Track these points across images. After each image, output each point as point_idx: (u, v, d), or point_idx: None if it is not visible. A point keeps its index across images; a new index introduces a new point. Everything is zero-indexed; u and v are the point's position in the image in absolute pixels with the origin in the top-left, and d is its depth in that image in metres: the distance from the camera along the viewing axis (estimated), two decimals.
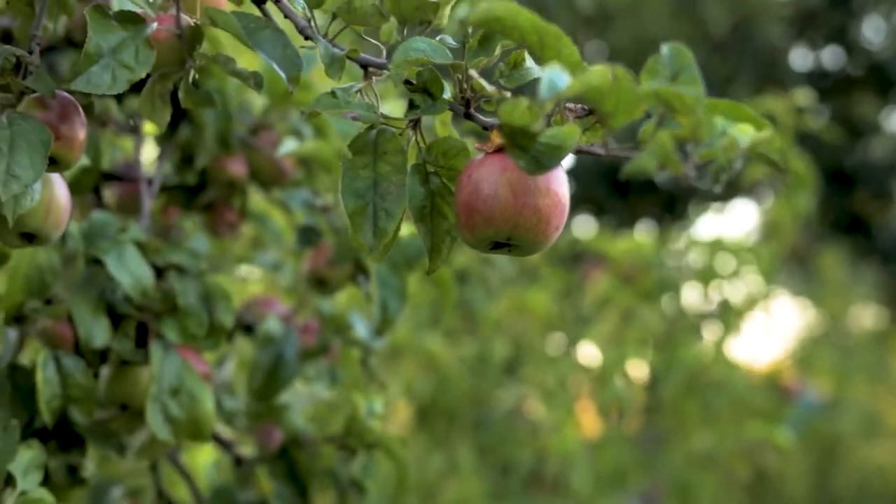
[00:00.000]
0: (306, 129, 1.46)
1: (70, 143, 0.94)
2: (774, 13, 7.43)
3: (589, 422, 3.66)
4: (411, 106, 0.86)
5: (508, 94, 0.78)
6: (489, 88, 0.79)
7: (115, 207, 1.46)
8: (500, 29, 0.75)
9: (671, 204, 7.30)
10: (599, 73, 0.66)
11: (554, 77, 0.67)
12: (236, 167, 1.45)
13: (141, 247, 1.25)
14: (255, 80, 0.95)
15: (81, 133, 0.95)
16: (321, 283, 1.42)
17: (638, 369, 3.50)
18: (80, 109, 0.96)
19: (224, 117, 1.38)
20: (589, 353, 3.46)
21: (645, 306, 3.41)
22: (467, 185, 0.81)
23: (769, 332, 4.43)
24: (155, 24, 0.96)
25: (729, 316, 3.35)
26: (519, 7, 0.71)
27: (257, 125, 1.48)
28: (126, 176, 1.44)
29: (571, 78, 0.67)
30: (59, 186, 0.99)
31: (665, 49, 0.69)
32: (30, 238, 0.99)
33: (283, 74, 0.94)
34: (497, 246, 0.82)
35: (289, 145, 1.35)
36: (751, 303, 3.47)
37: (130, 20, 0.95)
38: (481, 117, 0.84)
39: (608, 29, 7.55)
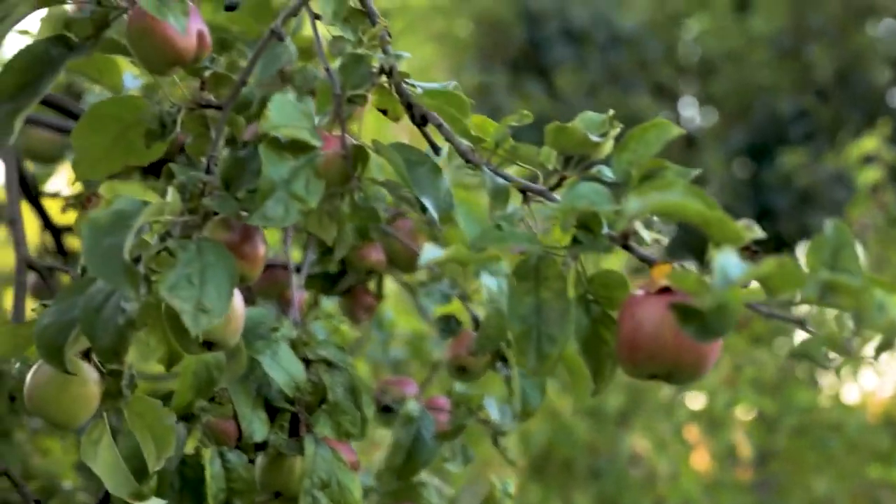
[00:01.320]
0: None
1: (253, 261, 1.01)
2: (879, 56, 7.34)
3: (703, 468, 3.65)
4: (574, 241, 0.91)
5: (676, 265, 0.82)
6: (647, 239, 0.84)
7: (258, 291, 1.53)
8: (667, 214, 0.80)
9: (780, 247, 7.22)
10: (772, 264, 0.70)
11: (728, 266, 0.71)
12: (375, 255, 1.51)
13: (292, 342, 1.31)
14: (420, 207, 1.00)
15: (262, 250, 1.02)
16: (462, 371, 1.47)
17: (751, 414, 3.49)
18: (260, 229, 1.02)
19: (365, 212, 1.44)
20: (702, 399, 3.46)
21: (758, 351, 3.40)
22: (630, 322, 0.85)
23: (883, 369, 4.37)
24: (323, 151, 1.02)
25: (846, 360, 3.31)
26: (686, 200, 0.76)
27: (394, 214, 1.54)
28: (269, 262, 1.51)
29: (745, 267, 0.71)
30: (238, 297, 1.06)
31: (828, 226, 0.74)
32: (209, 346, 1.05)
33: (434, 215, 0.99)
34: (655, 377, 0.86)
35: (431, 252, 1.40)
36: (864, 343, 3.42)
37: (301, 148, 1.01)
38: (639, 251, 0.88)
39: (711, 76, 7.54)
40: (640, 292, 0.85)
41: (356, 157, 1.05)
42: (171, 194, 0.92)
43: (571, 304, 0.92)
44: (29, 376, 1.04)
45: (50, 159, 1.93)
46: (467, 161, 1.03)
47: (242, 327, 1.07)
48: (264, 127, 0.97)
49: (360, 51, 1.10)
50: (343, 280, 1.55)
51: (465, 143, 1.03)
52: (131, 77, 1.68)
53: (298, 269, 1.47)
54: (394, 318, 1.97)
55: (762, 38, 7.31)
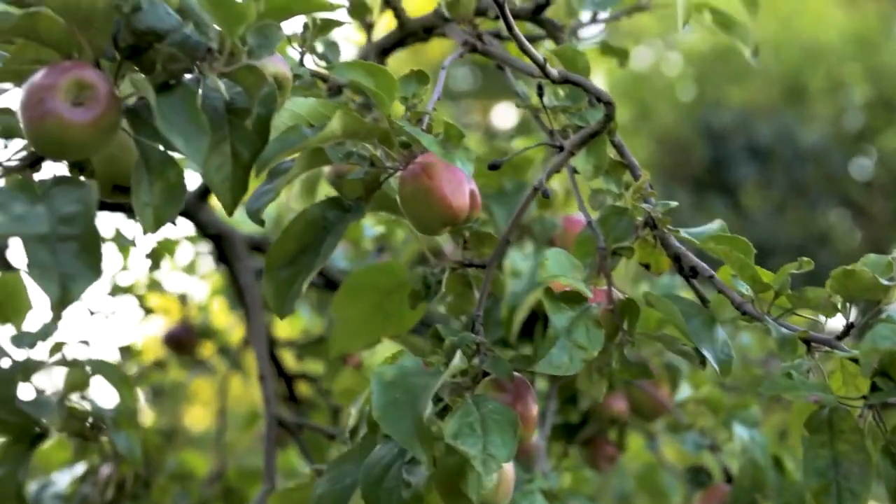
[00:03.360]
0: (682, 363, 1.48)
1: (527, 422, 0.99)
2: None
3: None
4: (873, 388, 0.87)
5: None
6: None
7: None
8: None
9: None
10: None
11: None
12: (619, 405, 1.48)
13: (545, 493, 1.28)
14: (700, 360, 0.97)
15: (535, 409, 1.00)
16: None
17: None
18: (531, 387, 1.01)
19: (636, 368, 1.43)
20: None
21: None
22: None
23: None
24: (595, 303, 1.00)
25: None
26: None
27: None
28: None
29: None
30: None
31: None
32: None
33: (715, 366, 0.96)
34: None
35: (685, 392, 1.37)
36: None
37: (574, 299, 0.99)
38: None
39: None
40: None
41: (623, 310, 1.03)
42: (458, 357, 0.91)
43: (873, 457, 0.87)
44: None
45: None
46: (743, 313, 0.99)
47: (512, 489, 1.05)
48: (543, 276, 0.97)
49: (621, 203, 1.09)
50: (585, 429, 1.52)
51: (737, 296, 0.99)
52: (369, 226, 1.72)
53: (542, 419, 1.45)
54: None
55: None
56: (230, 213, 0.88)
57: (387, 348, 1.18)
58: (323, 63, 1.18)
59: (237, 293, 1.70)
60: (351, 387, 1.34)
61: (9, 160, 0.85)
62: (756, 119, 7.52)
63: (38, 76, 0.81)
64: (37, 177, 0.85)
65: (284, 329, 2.08)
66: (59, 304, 0.76)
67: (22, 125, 0.81)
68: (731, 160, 7.51)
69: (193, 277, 2.09)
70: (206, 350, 2.08)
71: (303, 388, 1.95)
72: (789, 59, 7.48)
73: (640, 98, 7.64)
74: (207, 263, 2.08)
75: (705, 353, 0.97)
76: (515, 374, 1.00)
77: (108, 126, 0.81)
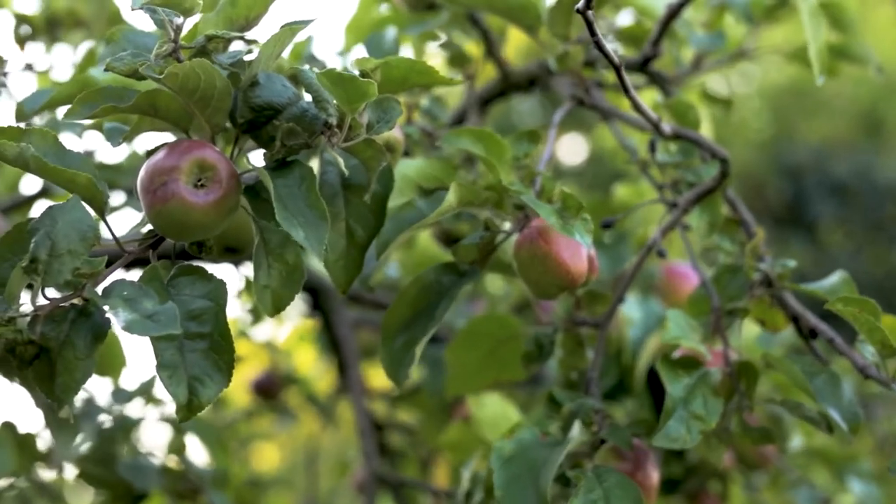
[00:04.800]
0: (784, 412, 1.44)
1: (647, 490, 0.97)
2: None
3: None
4: None
5: None
6: None
7: None
8: None
9: None
10: None
11: None
12: (726, 457, 1.44)
13: None
14: (826, 424, 0.94)
15: (655, 477, 0.98)
16: None
17: None
18: (652, 455, 0.98)
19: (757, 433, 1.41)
20: None
21: None
22: None
23: None
24: (713, 367, 0.98)
25: None
26: None
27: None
28: None
29: None
30: None
31: None
32: None
33: (843, 425, 0.93)
34: None
35: (797, 441, 1.33)
36: None
37: (692, 365, 0.97)
38: None
39: None
40: None
41: (741, 372, 1.00)
42: (578, 428, 0.89)
43: None
44: None
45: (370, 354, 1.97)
46: (867, 376, 0.96)
47: None
48: (666, 339, 0.95)
49: (735, 261, 1.07)
50: (688, 482, 1.48)
51: (860, 358, 0.96)
52: None
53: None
54: None
55: None
56: (343, 293, 0.87)
57: (495, 402, 1.19)
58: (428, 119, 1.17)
59: (330, 343, 1.69)
60: (459, 440, 1.32)
61: (127, 240, 0.84)
62: (833, 154, 7.40)
63: (159, 157, 0.80)
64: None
65: (374, 378, 2.07)
66: (187, 411, 0.74)
67: (143, 206, 0.80)
68: (809, 196, 7.40)
69: (281, 325, 2.09)
70: (292, 398, 2.08)
71: (393, 439, 1.94)
72: (865, 92, 7.37)
73: (714, 132, 7.56)
74: (296, 311, 2.08)
75: (832, 413, 0.94)
76: (637, 441, 0.98)
77: (229, 207, 0.80)
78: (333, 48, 1.44)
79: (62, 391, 0.75)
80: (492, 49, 1.31)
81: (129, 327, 0.73)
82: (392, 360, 0.93)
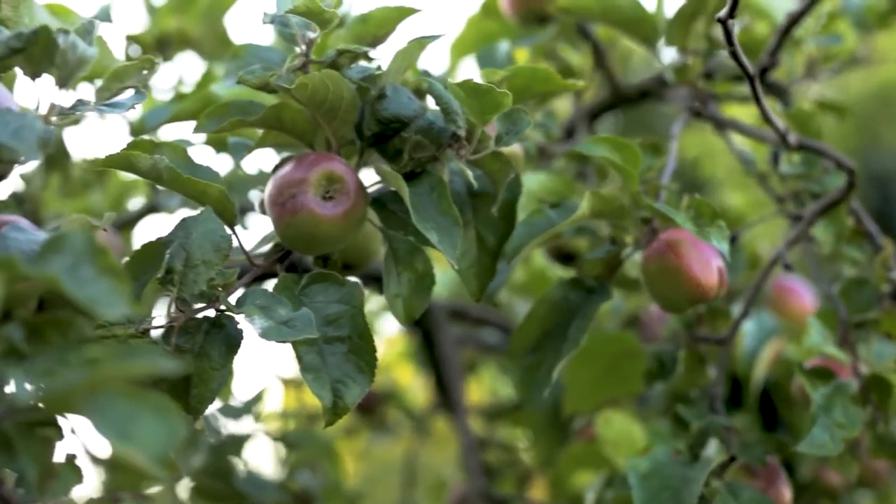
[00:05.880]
0: None
1: None
2: None
3: None
4: None
5: None
6: None
7: None
8: None
9: None
10: None
11: None
12: (834, 476, 1.41)
13: None
14: None
15: (787, 494, 0.96)
16: None
17: None
18: (783, 471, 0.97)
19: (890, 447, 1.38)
20: None
21: None
22: None
23: None
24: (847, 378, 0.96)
25: None
26: None
27: None
28: None
29: None
30: None
31: None
32: None
33: None
34: None
35: None
36: None
37: (825, 375, 0.95)
38: None
39: None
40: None
41: (873, 385, 0.97)
42: (715, 447, 0.88)
43: None
44: None
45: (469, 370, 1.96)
46: None
47: None
48: (807, 346, 0.94)
49: (861, 273, 1.04)
50: (799, 502, 1.45)
51: None
52: None
53: None
54: None
55: None
56: (477, 300, 0.87)
57: (622, 421, 1.17)
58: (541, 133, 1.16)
59: (430, 359, 1.68)
60: (580, 457, 1.31)
61: (255, 253, 0.84)
62: None
63: (287, 170, 0.81)
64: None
65: (472, 392, 2.06)
66: (333, 413, 0.74)
67: (271, 219, 0.80)
68: (893, 204, 7.26)
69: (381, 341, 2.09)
70: (390, 414, 2.07)
71: (491, 456, 1.92)
72: None
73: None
74: (391, 325, 2.08)
75: None
76: (769, 458, 0.97)
77: (357, 219, 0.81)
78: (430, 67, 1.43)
79: (198, 402, 0.75)
80: (602, 61, 1.30)
81: (265, 334, 0.73)
82: (522, 381, 0.92)
